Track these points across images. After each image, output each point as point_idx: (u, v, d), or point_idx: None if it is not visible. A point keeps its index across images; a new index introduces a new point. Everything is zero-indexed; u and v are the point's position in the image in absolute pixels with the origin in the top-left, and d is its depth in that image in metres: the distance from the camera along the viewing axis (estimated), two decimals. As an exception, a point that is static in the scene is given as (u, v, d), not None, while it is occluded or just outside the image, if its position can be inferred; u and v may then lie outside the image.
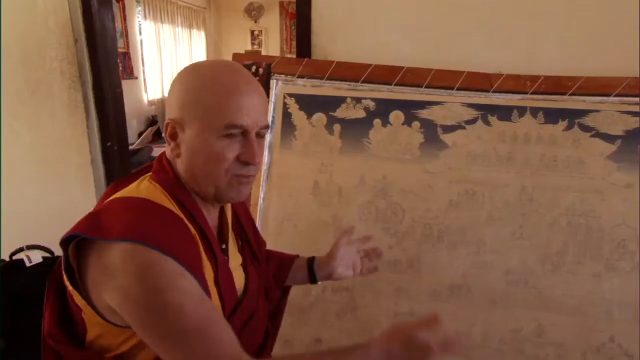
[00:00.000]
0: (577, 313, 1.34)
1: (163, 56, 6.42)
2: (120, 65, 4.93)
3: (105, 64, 1.63)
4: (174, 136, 0.72)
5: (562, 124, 1.38)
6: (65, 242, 0.65)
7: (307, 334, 1.43)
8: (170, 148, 0.73)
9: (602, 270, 1.34)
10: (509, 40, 1.44)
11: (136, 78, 5.37)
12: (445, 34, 1.45)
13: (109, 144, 1.67)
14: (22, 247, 1.68)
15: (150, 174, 0.76)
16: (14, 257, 1.69)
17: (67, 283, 0.67)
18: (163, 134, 0.70)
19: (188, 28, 7.48)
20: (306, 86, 1.46)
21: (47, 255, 1.69)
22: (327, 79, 1.44)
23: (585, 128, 1.37)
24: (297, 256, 1.04)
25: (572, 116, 1.38)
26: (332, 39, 1.48)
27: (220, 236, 0.80)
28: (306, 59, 1.47)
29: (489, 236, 1.38)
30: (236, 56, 1.49)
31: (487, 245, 1.38)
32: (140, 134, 4.96)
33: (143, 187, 0.72)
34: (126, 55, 5.10)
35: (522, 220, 1.38)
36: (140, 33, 5.58)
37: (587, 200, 1.36)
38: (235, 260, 0.82)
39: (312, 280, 1.00)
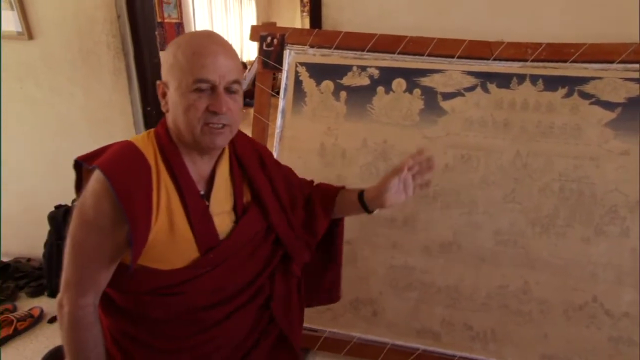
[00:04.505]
0: (563, 273, 1.41)
1: (215, 25, 6.68)
2: (175, 34, 5.24)
3: (144, 36, 1.84)
4: (163, 95, 0.87)
5: (562, 91, 1.40)
6: (77, 166, 0.88)
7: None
8: (162, 105, 0.89)
9: (591, 234, 1.39)
10: (511, 7, 1.46)
11: (188, 47, 5.66)
12: (448, 0, 1.50)
13: (148, 108, 1.90)
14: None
15: None
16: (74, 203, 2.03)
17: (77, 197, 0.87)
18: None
19: (239, -3, 7.65)
20: (316, 55, 1.57)
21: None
22: (335, 49, 1.55)
23: (585, 95, 1.39)
24: (342, 187, 1.12)
25: (572, 83, 1.39)
26: (340, 10, 1.58)
27: (209, 183, 0.93)
28: (316, 30, 1.58)
29: (481, 198, 1.46)
30: (254, 28, 1.63)
31: (479, 207, 1.47)
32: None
33: (143, 135, 0.90)
34: (180, 25, 5.38)
35: (514, 184, 1.44)
36: (193, 3, 5.84)
37: (581, 166, 1.39)
38: (220, 206, 0.92)
39: (367, 211, 1.05)
